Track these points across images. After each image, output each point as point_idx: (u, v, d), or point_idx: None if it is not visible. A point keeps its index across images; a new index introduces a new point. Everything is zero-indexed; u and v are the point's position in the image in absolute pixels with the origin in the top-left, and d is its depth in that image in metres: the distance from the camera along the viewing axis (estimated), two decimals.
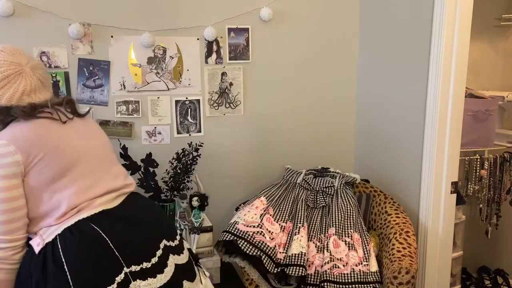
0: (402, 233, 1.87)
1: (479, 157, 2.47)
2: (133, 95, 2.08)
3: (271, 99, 2.34)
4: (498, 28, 2.70)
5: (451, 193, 1.99)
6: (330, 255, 1.89)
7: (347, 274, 1.84)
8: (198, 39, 2.13)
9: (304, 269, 1.84)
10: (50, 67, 1.92)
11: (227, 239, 1.89)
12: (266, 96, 2.32)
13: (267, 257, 1.85)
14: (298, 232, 1.97)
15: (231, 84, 2.24)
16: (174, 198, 2.04)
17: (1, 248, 1.18)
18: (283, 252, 1.91)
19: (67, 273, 1.15)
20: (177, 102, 2.17)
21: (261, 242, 1.88)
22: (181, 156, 2.05)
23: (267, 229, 1.95)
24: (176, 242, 1.39)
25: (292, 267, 1.84)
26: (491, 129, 2.40)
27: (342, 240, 1.95)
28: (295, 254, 1.86)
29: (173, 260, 1.32)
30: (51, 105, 1.31)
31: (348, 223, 2.00)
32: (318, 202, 2.13)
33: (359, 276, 1.83)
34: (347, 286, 1.82)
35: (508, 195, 2.59)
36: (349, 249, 1.92)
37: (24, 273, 1.21)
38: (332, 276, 1.83)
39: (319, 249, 1.95)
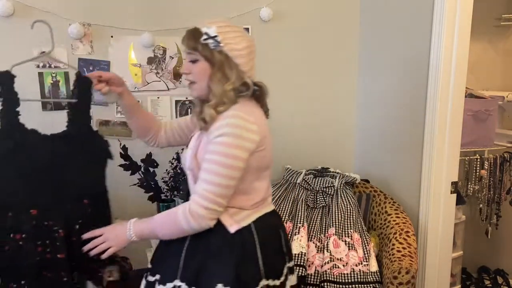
0: (402, 233, 1.87)
1: (479, 157, 2.47)
2: (133, 95, 2.07)
3: (271, 99, 2.33)
4: (498, 28, 2.70)
5: (451, 193, 1.99)
6: (330, 255, 1.89)
7: (347, 274, 1.85)
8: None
9: (304, 269, 1.84)
10: (50, 67, 1.92)
11: None
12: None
13: None
14: (298, 232, 1.97)
15: None
16: (174, 198, 2.04)
17: (207, 208, 1.20)
18: None
19: (259, 259, 1.28)
20: (177, 102, 2.17)
21: None
22: (181, 156, 2.05)
23: None
24: (292, 263, 1.48)
25: None
26: (491, 129, 2.40)
27: (342, 240, 1.95)
28: (295, 254, 1.86)
29: (290, 282, 1.42)
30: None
31: (348, 223, 2.00)
32: (318, 202, 2.13)
33: (359, 276, 1.83)
34: (347, 286, 1.82)
35: (508, 195, 2.59)
36: (349, 249, 1.92)
37: (208, 246, 1.26)
38: (332, 276, 1.83)
39: (319, 249, 1.95)
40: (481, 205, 2.57)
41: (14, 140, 1.28)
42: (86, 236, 1.32)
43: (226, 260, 1.25)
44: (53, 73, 1.93)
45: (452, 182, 1.98)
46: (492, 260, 2.85)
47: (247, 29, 2.19)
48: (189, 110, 2.18)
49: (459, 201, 2.16)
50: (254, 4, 2.18)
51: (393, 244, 1.83)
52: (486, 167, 2.49)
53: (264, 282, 1.28)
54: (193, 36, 1.28)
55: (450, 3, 1.80)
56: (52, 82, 1.93)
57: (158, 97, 2.13)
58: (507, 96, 2.50)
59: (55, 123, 1.91)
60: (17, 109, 1.30)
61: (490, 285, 2.76)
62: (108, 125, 2.06)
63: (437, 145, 1.92)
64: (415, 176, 2.05)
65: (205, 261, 1.25)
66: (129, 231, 1.29)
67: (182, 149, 1.47)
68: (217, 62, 1.26)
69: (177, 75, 2.14)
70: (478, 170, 2.48)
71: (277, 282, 1.32)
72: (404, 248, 1.79)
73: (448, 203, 2.00)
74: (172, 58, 2.12)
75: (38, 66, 1.90)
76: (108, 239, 1.31)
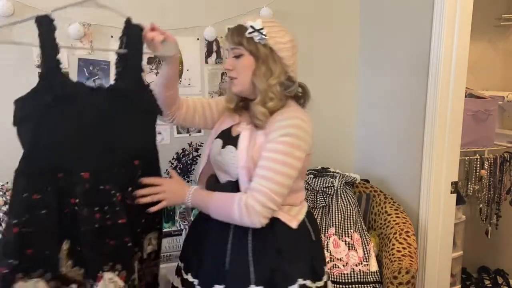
0: (402, 233, 1.87)
1: (479, 157, 2.47)
2: None
3: None
4: (498, 28, 2.70)
5: (451, 193, 1.99)
6: (330, 255, 1.89)
7: (347, 274, 1.85)
8: (198, 39, 2.13)
9: None
10: None
11: None
12: None
13: None
14: None
15: None
16: None
17: (264, 205, 1.21)
18: None
19: (319, 248, 1.41)
20: None
21: None
22: (181, 156, 2.05)
23: None
24: None
25: None
26: (491, 129, 2.40)
27: (342, 240, 1.95)
28: None
29: None
30: None
31: (348, 223, 2.00)
32: (318, 202, 2.13)
33: (359, 276, 1.83)
34: (347, 286, 1.82)
35: (508, 195, 2.59)
36: (349, 249, 1.92)
37: (275, 245, 1.27)
38: (332, 276, 1.83)
39: None
40: (481, 205, 2.57)
41: (54, 93, 1.10)
42: (145, 181, 1.27)
43: (297, 254, 1.28)
44: None
45: (452, 182, 1.98)
46: (492, 260, 2.85)
47: None
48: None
49: (459, 201, 2.16)
50: (254, 4, 2.18)
51: (393, 244, 1.83)
52: (486, 167, 2.48)
53: (325, 269, 1.37)
54: (238, 31, 1.30)
55: (450, 3, 1.80)
56: None
57: None
58: (507, 96, 2.50)
59: None
60: (58, 57, 1.12)
61: (490, 285, 2.76)
62: None
63: (437, 145, 1.92)
64: (415, 176, 2.05)
65: (276, 260, 1.26)
66: (188, 195, 1.30)
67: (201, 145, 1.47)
68: (261, 55, 1.28)
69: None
70: (478, 170, 2.48)
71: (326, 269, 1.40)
72: (404, 248, 1.79)
73: (448, 203, 2.00)
74: None
75: (38, 66, 1.90)
76: (165, 191, 1.29)
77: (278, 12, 2.23)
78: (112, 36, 2.00)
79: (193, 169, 2.07)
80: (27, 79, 1.86)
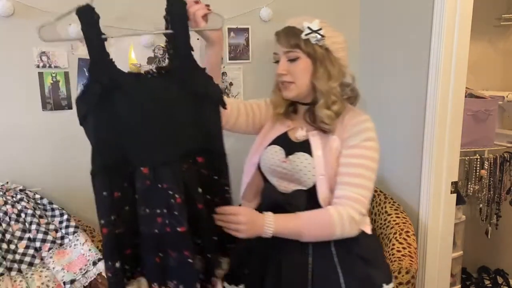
0: (402, 233, 1.87)
1: (479, 157, 2.47)
2: None
3: None
4: (498, 28, 2.70)
5: (451, 193, 1.99)
6: None
7: None
8: (198, 39, 2.12)
9: None
10: (50, 67, 1.92)
11: None
12: (266, 96, 2.32)
13: None
14: None
15: (231, 84, 2.24)
16: None
17: (361, 213, 1.19)
18: None
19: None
20: None
21: None
22: None
23: None
24: None
25: None
26: (491, 129, 2.40)
27: None
28: None
29: None
30: None
31: None
32: None
33: None
34: None
35: (508, 195, 2.59)
36: None
37: (359, 253, 1.23)
38: None
39: None
40: (481, 205, 2.57)
41: (102, 83, 1.03)
42: (221, 210, 1.13)
43: (379, 260, 1.28)
44: (53, 73, 1.93)
45: (452, 182, 1.98)
46: (492, 260, 2.85)
47: (247, 29, 2.19)
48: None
49: (459, 201, 2.16)
50: (254, 4, 2.18)
51: (393, 244, 1.83)
52: (486, 167, 2.48)
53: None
54: (293, 33, 1.25)
55: (450, 3, 1.80)
56: (52, 82, 1.93)
57: None
58: (507, 96, 2.50)
59: (55, 123, 1.94)
60: (103, 46, 1.06)
61: (490, 285, 2.75)
62: None
63: (437, 145, 1.92)
64: (415, 176, 2.05)
65: (363, 269, 1.22)
66: (268, 225, 1.15)
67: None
68: (319, 57, 1.23)
69: None
70: (478, 170, 2.48)
71: None
72: (404, 248, 1.79)
73: (448, 203, 2.00)
74: None
75: (38, 66, 1.90)
76: (243, 223, 1.13)
77: (278, 12, 2.22)
78: (112, 36, 2.00)
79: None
80: (27, 79, 1.89)
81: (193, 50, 1.12)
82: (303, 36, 1.23)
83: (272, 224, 1.16)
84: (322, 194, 1.22)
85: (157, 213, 1.03)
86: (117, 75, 1.06)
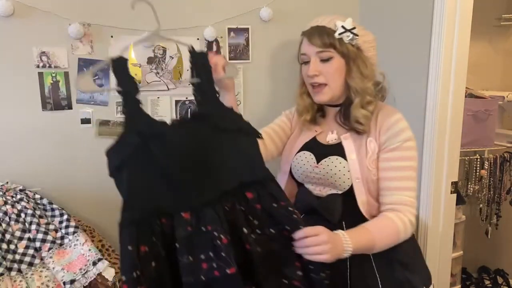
0: None
1: (479, 157, 2.47)
2: None
3: (271, 99, 2.34)
4: (498, 28, 2.70)
5: (451, 193, 1.99)
6: None
7: None
8: (198, 39, 2.13)
9: None
10: (50, 67, 1.92)
11: None
12: (266, 96, 2.32)
13: None
14: None
15: None
16: None
17: (415, 216, 1.19)
18: None
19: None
20: (177, 102, 2.16)
21: None
22: None
23: None
24: None
25: None
26: (491, 129, 2.40)
27: None
28: None
29: None
30: None
31: None
32: None
33: None
34: None
35: (508, 195, 2.59)
36: None
37: (397, 256, 1.21)
38: None
39: None
40: (481, 205, 2.57)
41: (141, 134, 1.04)
42: (300, 235, 1.02)
43: (418, 263, 1.25)
44: (53, 73, 1.93)
45: (452, 182, 1.98)
46: (492, 260, 2.85)
47: (247, 29, 2.19)
48: (189, 110, 2.18)
49: (459, 201, 2.16)
50: (254, 4, 2.18)
51: None
52: (486, 167, 2.49)
53: None
54: (326, 32, 1.22)
55: (450, 3, 1.80)
56: (52, 82, 1.93)
57: (158, 97, 2.12)
58: (507, 96, 2.50)
59: (55, 123, 1.94)
60: (137, 96, 1.10)
61: (490, 285, 2.76)
62: (108, 125, 2.05)
63: (437, 145, 1.92)
64: None
65: (402, 273, 1.19)
66: (347, 243, 1.05)
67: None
68: (352, 56, 1.21)
69: (177, 75, 2.14)
70: (478, 170, 2.48)
71: None
72: None
73: (448, 203, 2.00)
74: (172, 58, 2.12)
75: (38, 66, 1.90)
76: (327, 242, 1.01)
77: (278, 12, 2.23)
78: (112, 36, 2.00)
79: None
80: (27, 79, 1.89)
81: (218, 95, 1.22)
82: (336, 35, 1.21)
83: (349, 241, 1.07)
84: (360, 198, 1.19)
85: (201, 259, 0.98)
86: (152, 124, 1.08)
